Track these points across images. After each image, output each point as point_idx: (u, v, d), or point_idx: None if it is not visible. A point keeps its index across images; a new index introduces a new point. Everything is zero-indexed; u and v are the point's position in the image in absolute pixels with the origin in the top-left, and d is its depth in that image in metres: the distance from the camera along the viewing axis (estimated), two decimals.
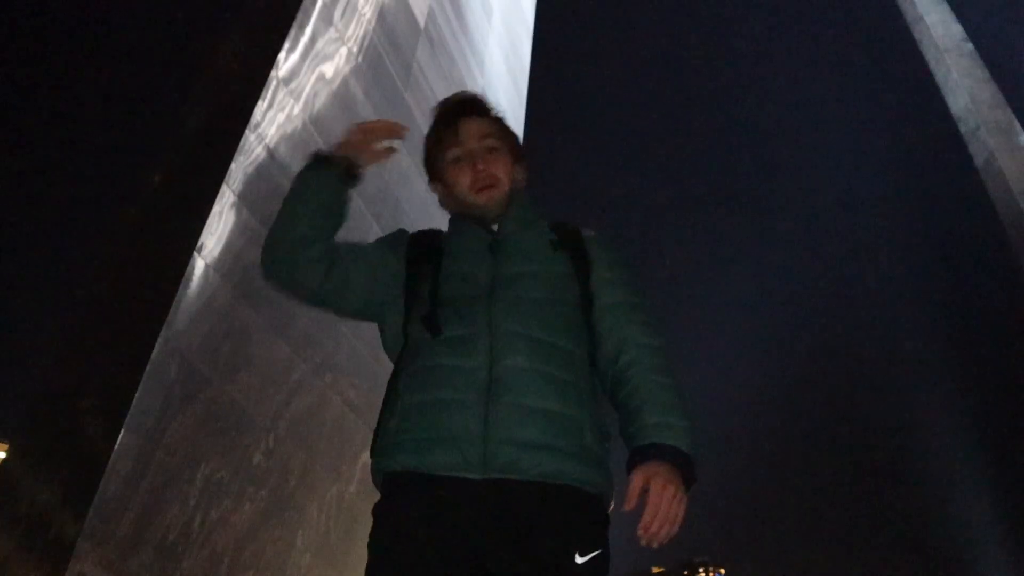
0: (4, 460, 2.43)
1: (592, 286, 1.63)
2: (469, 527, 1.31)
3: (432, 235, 1.78)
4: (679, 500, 1.34)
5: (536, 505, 1.33)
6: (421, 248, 1.72)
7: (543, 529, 1.32)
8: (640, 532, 1.33)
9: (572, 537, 1.32)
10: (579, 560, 1.29)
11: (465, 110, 1.78)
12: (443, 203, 1.83)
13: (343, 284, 1.61)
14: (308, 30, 3.55)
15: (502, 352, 1.44)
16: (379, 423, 1.53)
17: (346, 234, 1.69)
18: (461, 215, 1.78)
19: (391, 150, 1.70)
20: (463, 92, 1.86)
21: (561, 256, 1.64)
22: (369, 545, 1.40)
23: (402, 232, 1.80)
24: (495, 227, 1.72)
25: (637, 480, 1.35)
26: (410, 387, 1.48)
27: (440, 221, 1.85)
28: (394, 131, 1.67)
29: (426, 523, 1.33)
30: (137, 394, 2.35)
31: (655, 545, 1.35)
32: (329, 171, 1.60)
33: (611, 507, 1.45)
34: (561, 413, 1.40)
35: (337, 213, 1.63)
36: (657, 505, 1.32)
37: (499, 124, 1.81)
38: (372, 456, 1.50)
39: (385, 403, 1.55)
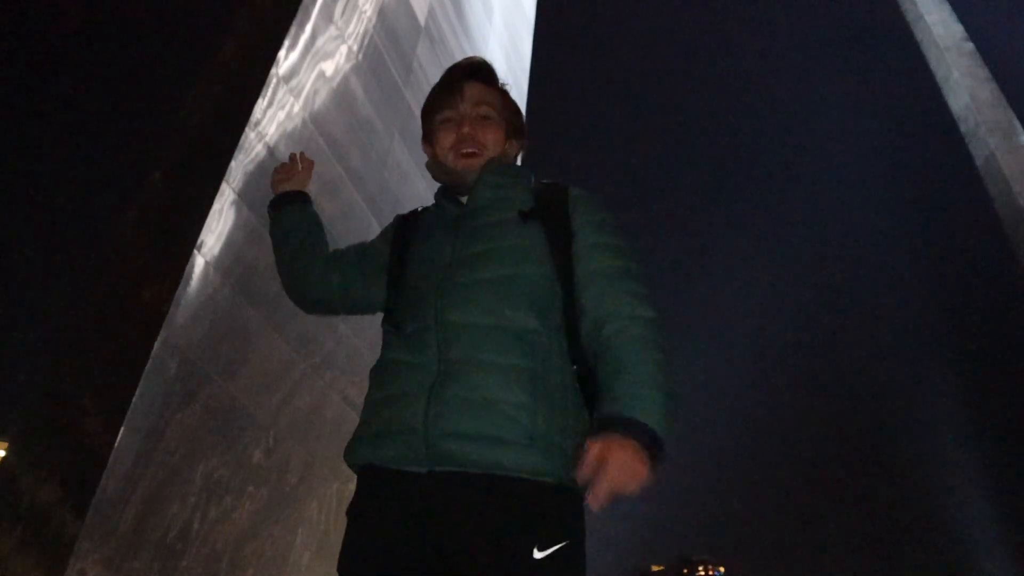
0: (3, 458, 2.43)
1: (575, 250, 1.49)
2: (420, 520, 1.29)
3: (414, 214, 1.75)
4: (635, 473, 1.20)
5: (485, 498, 1.27)
6: (403, 230, 1.70)
7: (495, 524, 1.25)
8: (587, 500, 1.22)
9: (527, 531, 1.24)
10: (538, 555, 1.22)
11: (469, 74, 1.72)
12: (429, 167, 1.75)
13: (329, 284, 1.74)
14: (308, 28, 3.55)
15: (447, 345, 1.40)
16: None
17: (347, 233, 1.70)
18: (442, 184, 1.72)
19: (308, 164, 2.06)
20: (473, 57, 1.79)
21: (529, 227, 1.51)
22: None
23: (396, 217, 1.80)
24: (465, 200, 1.64)
25: (592, 450, 1.22)
26: (374, 383, 1.51)
27: None
28: (297, 159, 2.06)
29: (379, 515, 1.34)
30: (137, 392, 2.35)
31: (597, 508, 1.22)
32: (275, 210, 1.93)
33: (571, 488, 1.32)
34: (508, 402, 1.31)
35: (303, 231, 1.85)
36: (611, 477, 1.19)
37: (503, 95, 1.73)
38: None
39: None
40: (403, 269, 1.59)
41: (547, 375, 1.38)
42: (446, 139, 1.67)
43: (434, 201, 1.75)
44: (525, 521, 1.26)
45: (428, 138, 1.76)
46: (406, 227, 1.70)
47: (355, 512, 1.42)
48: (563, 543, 1.25)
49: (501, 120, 1.70)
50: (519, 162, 1.83)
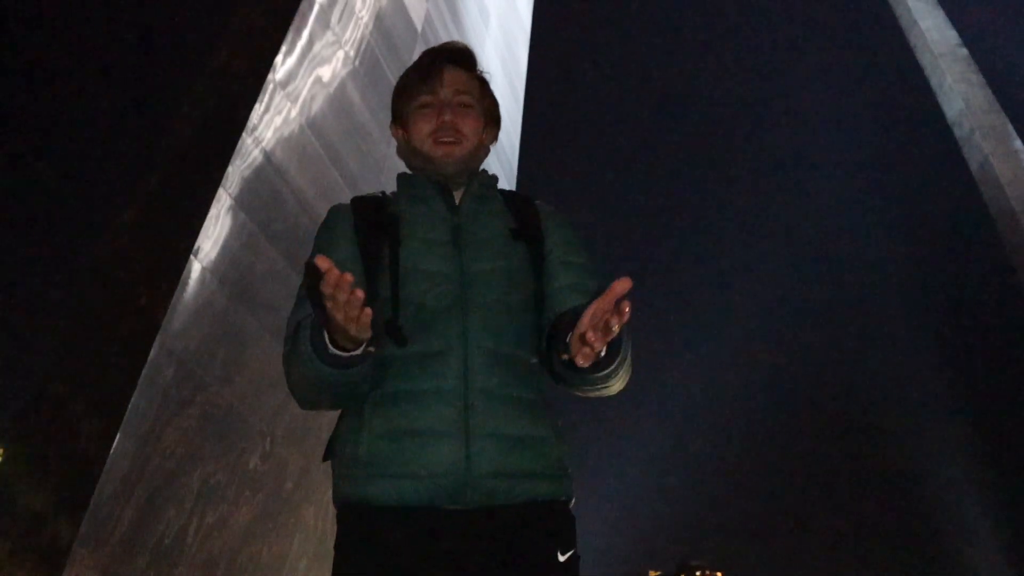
0: None
1: (546, 268, 1.53)
2: (456, 557, 1.31)
3: (379, 204, 1.58)
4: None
5: (517, 522, 1.35)
6: (371, 224, 1.52)
7: (530, 540, 1.35)
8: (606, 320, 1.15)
9: (553, 540, 1.37)
10: (561, 558, 1.35)
11: (450, 59, 1.65)
12: (400, 151, 1.69)
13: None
14: (305, 33, 3.56)
15: (475, 373, 1.38)
16: (341, 442, 1.46)
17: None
18: (417, 172, 1.63)
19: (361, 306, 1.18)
20: (454, 42, 1.73)
21: (518, 247, 1.52)
22: None
23: (339, 213, 1.58)
24: (456, 199, 1.57)
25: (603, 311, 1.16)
26: (378, 412, 1.39)
27: None
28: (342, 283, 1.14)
29: (414, 559, 1.31)
30: (133, 397, 2.35)
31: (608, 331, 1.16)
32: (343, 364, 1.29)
33: (572, 504, 1.47)
34: (534, 437, 1.40)
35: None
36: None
37: (481, 83, 1.68)
38: (338, 481, 1.46)
39: (345, 421, 1.47)
40: (395, 281, 1.44)
41: (546, 405, 1.47)
42: (425, 125, 1.60)
43: (406, 188, 1.64)
44: (550, 532, 1.38)
45: (401, 122, 1.67)
46: (375, 222, 1.53)
47: (379, 552, 1.35)
48: (574, 549, 1.39)
49: (480, 108, 1.66)
50: (492, 150, 1.77)
